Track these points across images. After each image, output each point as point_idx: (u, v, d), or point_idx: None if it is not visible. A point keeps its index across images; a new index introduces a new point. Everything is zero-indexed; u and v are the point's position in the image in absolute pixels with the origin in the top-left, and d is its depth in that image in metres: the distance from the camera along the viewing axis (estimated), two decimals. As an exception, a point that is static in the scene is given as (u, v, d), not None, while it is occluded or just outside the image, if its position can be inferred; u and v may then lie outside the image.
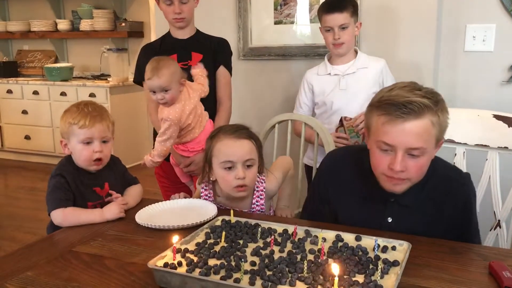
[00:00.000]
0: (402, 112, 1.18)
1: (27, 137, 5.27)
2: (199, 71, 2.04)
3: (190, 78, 2.03)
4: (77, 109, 1.55)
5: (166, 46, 2.14)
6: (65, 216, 1.47)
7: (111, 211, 1.48)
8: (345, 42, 2.10)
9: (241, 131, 1.52)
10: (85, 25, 5.15)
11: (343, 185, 1.43)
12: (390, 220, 1.38)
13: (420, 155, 1.22)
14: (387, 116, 1.21)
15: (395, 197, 1.34)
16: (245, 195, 1.55)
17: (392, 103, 1.20)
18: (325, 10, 2.10)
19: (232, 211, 1.41)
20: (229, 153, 1.48)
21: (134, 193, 1.65)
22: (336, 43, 2.09)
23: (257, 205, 1.60)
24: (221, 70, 2.16)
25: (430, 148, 1.23)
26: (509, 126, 1.63)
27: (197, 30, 2.22)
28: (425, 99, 1.19)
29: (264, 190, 1.59)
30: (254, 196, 1.59)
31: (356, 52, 2.20)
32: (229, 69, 2.20)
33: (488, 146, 1.66)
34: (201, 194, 1.62)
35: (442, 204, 1.35)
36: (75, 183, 1.55)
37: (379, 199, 1.37)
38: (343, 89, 2.13)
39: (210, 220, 1.41)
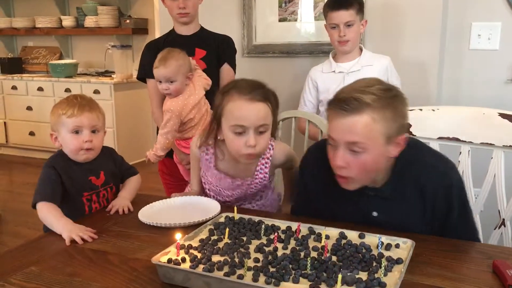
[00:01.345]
0: (342, 108, 1.19)
1: (31, 133, 5.29)
2: (194, 62, 2.04)
3: None
4: (66, 100, 1.55)
5: (170, 42, 2.14)
6: (40, 211, 1.43)
7: (70, 231, 1.33)
8: (350, 40, 2.09)
9: (257, 91, 1.36)
10: (89, 21, 5.16)
11: (326, 185, 1.37)
12: (375, 214, 1.35)
13: (362, 152, 1.21)
14: (331, 111, 1.24)
15: (375, 191, 1.32)
16: (254, 163, 1.44)
17: (337, 99, 1.22)
18: (331, 7, 2.09)
19: (235, 208, 1.41)
20: (242, 116, 1.34)
21: (133, 185, 1.65)
22: (341, 40, 2.09)
23: (260, 173, 1.49)
24: (225, 67, 2.16)
25: (374, 145, 1.21)
26: (514, 125, 1.62)
27: (202, 27, 2.23)
28: (369, 96, 1.18)
29: (270, 158, 1.48)
30: (259, 163, 1.48)
31: (361, 49, 2.19)
32: (233, 66, 2.20)
33: (494, 144, 1.65)
34: (202, 159, 1.53)
35: (424, 192, 1.31)
36: (67, 174, 1.53)
37: (360, 195, 1.33)
38: None
39: (213, 218, 1.41)
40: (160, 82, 1.90)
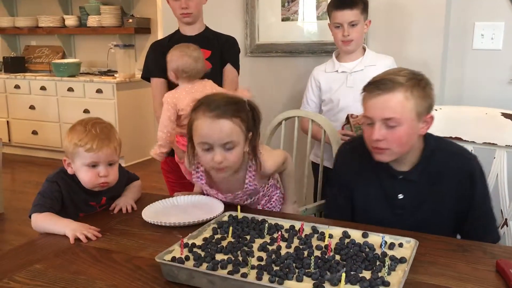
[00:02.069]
0: (377, 87, 1.34)
1: (34, 132, 5.30)
2: (245, 93, 1.90)
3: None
4: (84, 129, 1.46)
5: (174, 42, 2.14)
6: (36, 221, 1.41)
7: (74, 229, 1.33)
8: (354, 39, 2.09)
9: (223, 108, 1.34)
10: (92, 21, 5.17)
11: (357, 172, 1.51)
12: (401, 196, 1.44)
13: (397, 126, 1.34)
14: (366, 93, 1.38)
15: (403, 174, 1.44)
16: (227, 175, 1.44)
17: (372, 81, 1.38)
18: (335, 6, 2.09)
19: (239, 207, 1.41)
20: (205, 135, 1.35)
21: (135, 188, 1.65)
22: (345, 40, 2.09)
23: (250, 185, 1.50)
24: (228, 68, 2.17)
25: (407, 120, 1.34)
26: (517, 125, 1.63)
27: (206, 27, 2.23)
28: (400, 77, 1.34)
29: (255, 171, 1.49)
30: (247, 177, 1.49)
31: (364, 49, 2.19)
32: (237, 67, 2.20)
33: (496, 144, 1.66)
34: (193, 176, 1.54)
35: (449, 177, 1.41)
36: (69, 194, 1.49)
37: (389, 178, 1.45)
38: (350, 87, 2.13)
39: (217, 216, 1.41)
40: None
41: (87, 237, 1.32)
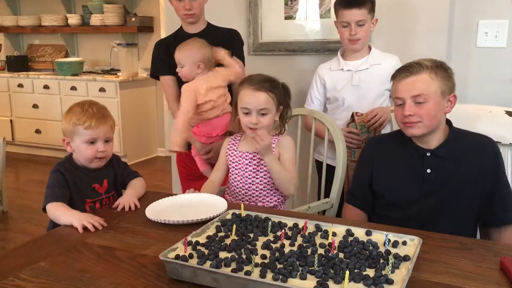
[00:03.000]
0: (406, 71, 1.54)
1: (37, 131, 5.31)
2: (223, 53, 2.10)
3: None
4: (81, 109, 1.58)
5: (179, 40, 2.16)
6: (50, 210, 1.49)
7: (81, 219, 1.40)
8: (361, 39, 2.08)
9: (263, 84, 1.69)
10: (95, 20, 5.18)
11: (387, 155, 1.66)
12: (429, 171, 1.56)
13: (425, 101, 1.50)
14: (397, 78, 1.56)
15: (431, 151, 1.57)
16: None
17: (399, 69, 1.58)
18: (343, 5, 2.08)
19: (242, 205, 1.42)
20: (247, 101, 1.68)
21: (137, 185, 1.68)
22: (352, 38, 2.08)
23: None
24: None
25: (433, 96, 1.51)
26: (521, 123, 1.62)
27: (208, 23, 2.25)
28: (426, 61, 1.53)
29: (278, 138, 1.76)
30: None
31: (370, 48, 2.19)
32: (242, 58, 2.24)
33: (500, 142, 1.65)
34: (228, 144, 1.81)
35: (474, 157, 1.55)
36: (73, 180, 1.58)
37: (417, 155, 1.58)
38: (356, 85, 2.12)
39: (220, 214, 1.42)
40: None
41: (94, 227, 1.37)
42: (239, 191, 1.75)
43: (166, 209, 1.50)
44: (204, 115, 2.04)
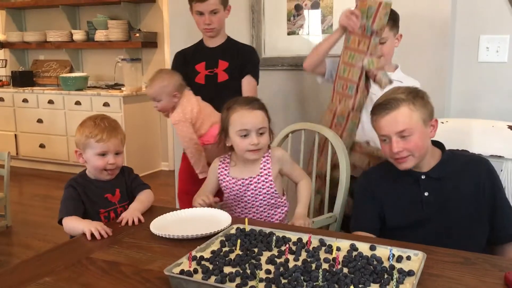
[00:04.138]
0: (384, 108, 1.53)
1: (41, 146, 5.34)
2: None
3: (217, 86, 2.19)
4: (94, 123, 1.64)
5: (199, 53, 2.26)
6: (64, 224, 1.55)
7: (90, 225, 1.46)
8: (384, 55, 2.08)
9: (254, 103, 1.68)
10: (100, 35, 5.23)
11: (383, 185, 1.64)
12: (427, 194, 1.56)
13: (410, 135, 1.50)
14: (376, 116, 1.56)
15: (425, 174, 1.57)
16: (258, 157, 1.71)
17: (378, 104, 1.57)
18: None
19: (246, 220, 1.42)
20: (245, 122, 1.65)
21: (143, 197, 1.69)
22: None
23: (264, 169, 1.72)
24: (247, 79, 2.26)
25: (417, 127, 1.51)
26: (524, 137, 1.63)
27: (228, 38, 2.32)
28: (400, 95, 1.53)
29: (269, 154, 1.74)
30: (262, 161, 1.73)
31: (396, 67, 2.19)
32: (256, 77, 2.29)
33: (503, 157, 1.66)
34: (218, 167, 1.77)
35: (468, 177, 1.54)
36: (85, 193, 1.63)
37: (413, 181, 1.58)
38: (373, 94, 2.11)
39: (224, 229, 1.42)
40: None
41: (101, 235, 1.43)
42: (238, 215, 1.74)
43: (171, 224, 1.51)
44: (201, 131, 2.10)
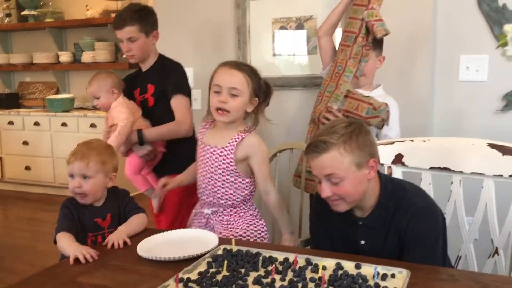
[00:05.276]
0: (314, 151, 1.42)
1: (27, 168, 5.29)
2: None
3: (150, 112, 2.24)
4: (78, 145, 1.68)
5: (134, 79, 2.32)
6: (57, 241, 1.54)
7: (75, 250, 1.44)
8: (365, 74, 2.15)
9: (241, 66, 1.67)
10: (86, 57, 5.24)
11: (328, 222, 1.57)
12: (363, 242, 1.50)
13: (340, 181, 1.41)
14: (307, 156, 1.47)
15: (363, 220, 1.50)
16: (225, 121, 1.68)
17: (309, 144, 1.46)
18: None
19: (233, 240, 1.43)
20: (219, 78, 1.65)
21: (134, 221, 1.67)
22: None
23: (230, 144, 1.70)
24: (174, 99, 2.19)
25: (348, 173, 1.40)
26: (503, 155, 1.66)
27: (158, 58, 2.28)
28: (333, 136, 1.40)
29: (244, 135, 1.70)
30: (233, 138, 1.70)
31: (377, 86, 2.24)
32: (184, 92, 2.21)
33: (484, 174, 1.69)
34: (200, 127, 1.82)
35: (405, 229, 1.44)
36: (77, 214, 1.63)
37: (351, 224, 1.52)
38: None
39: (211, 250, 1.42)
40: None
41: (85, 258, 1.41)
42: (200, 184, 1.78)
43: (157, 246, 1.51)
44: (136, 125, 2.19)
